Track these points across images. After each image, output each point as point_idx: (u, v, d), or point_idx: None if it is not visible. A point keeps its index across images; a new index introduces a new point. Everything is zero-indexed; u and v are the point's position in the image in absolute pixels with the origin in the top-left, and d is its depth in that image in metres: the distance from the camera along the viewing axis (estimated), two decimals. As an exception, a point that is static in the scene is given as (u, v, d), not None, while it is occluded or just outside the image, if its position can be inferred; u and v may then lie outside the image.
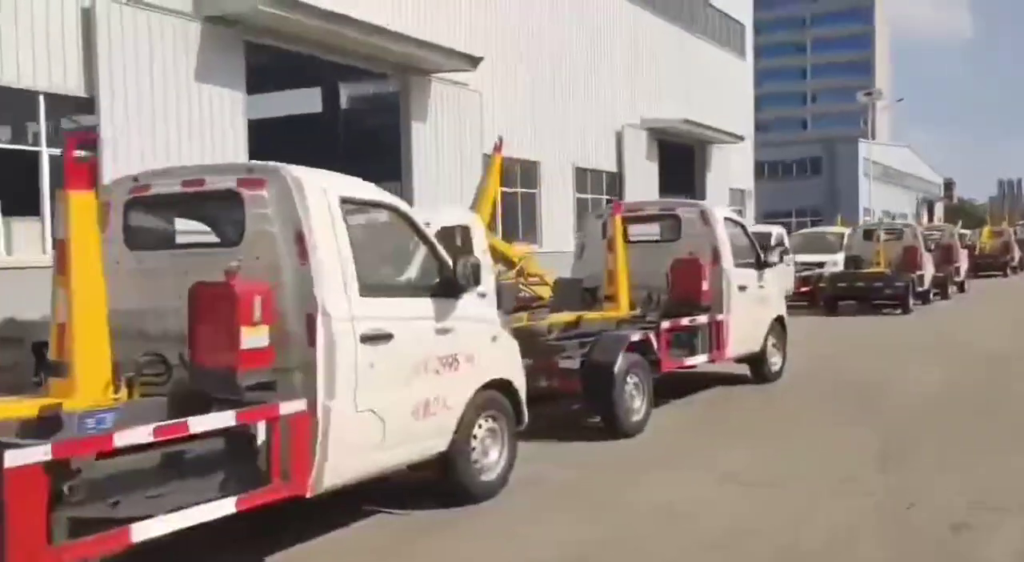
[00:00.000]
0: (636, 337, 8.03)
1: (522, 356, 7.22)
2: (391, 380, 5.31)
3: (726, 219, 10.42)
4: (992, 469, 6.79)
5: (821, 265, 23.31)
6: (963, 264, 26.82)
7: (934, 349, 13.59)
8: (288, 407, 4.71)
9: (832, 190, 60.48)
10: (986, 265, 35.86)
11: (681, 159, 36.44)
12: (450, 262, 5.89)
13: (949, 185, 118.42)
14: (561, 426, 8.34)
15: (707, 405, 9.81)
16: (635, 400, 7.99)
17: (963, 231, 45.61)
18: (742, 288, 10.04)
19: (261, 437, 4.77)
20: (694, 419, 9.16)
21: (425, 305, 5.73)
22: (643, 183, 31.51)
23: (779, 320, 11.02)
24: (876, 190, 64.32)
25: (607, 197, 30.01)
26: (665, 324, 8.66)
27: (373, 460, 5.32)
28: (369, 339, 5.12)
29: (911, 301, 20.13)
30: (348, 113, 29.60)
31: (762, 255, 10.79)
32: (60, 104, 14.23)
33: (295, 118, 31.21)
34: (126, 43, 14.74)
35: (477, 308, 6.14)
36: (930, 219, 77.95)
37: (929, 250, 23.11)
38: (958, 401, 9.55)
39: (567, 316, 8.44)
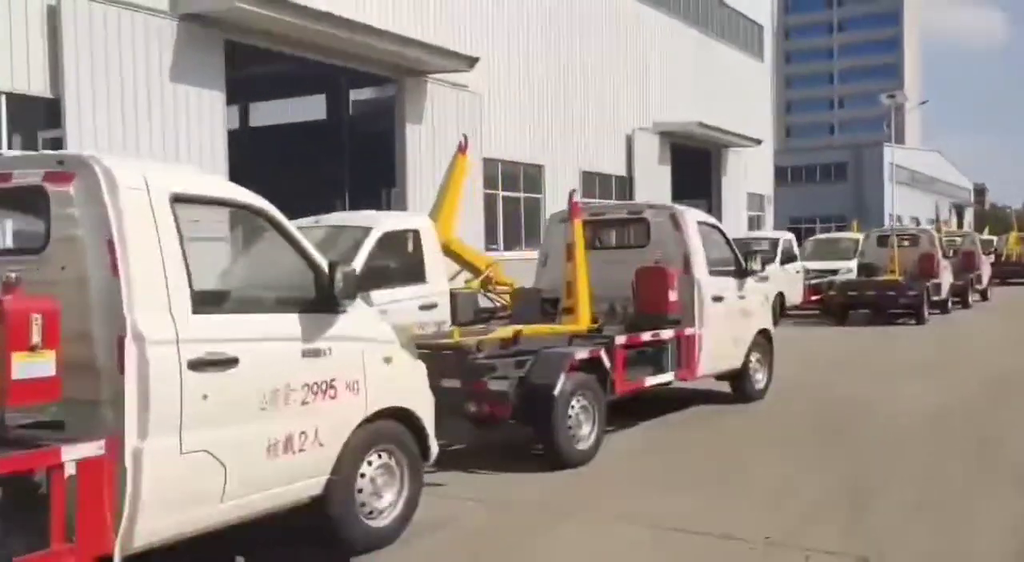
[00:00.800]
0: (582, 355, 7.09)
1: (448, 377, 6.35)
2: (234, 414, 4.41)
3: (700, 223, 9.44)
4: (962, 525, 5.70)
5: (835, 272, 22.15)
6: (985, 271, 25.44)
7: (938, 367, 12.43)
8: (76, 451, 3.80)
9: (858, 195, 58.95)
10: (1012, 273, 34.31)
11: (696, 163, 35.33)
12: (325, 271, 4.91)
13: (981, 191, 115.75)
14: (511, 451, 7.45)
15: (674, 429, 8.80)
16: (581, 426, 7.04)
17: (989, 237, 44.08)
18: (718, 299, 9.06)
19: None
20: (654, 446, 8.16)
21: (288, 322, 4.81)
22: (655, 187, 30.46)
23: (764, 334, 10.01)
24: (903, 195, 62.62)
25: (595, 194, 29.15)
26: (620, 340, 7.70)
27: (208, 512, 4.37)
28: (202, 365, 4.26)
29: (926, 311, 18.91)
30: (353, 119, 28.92)
31: (744, 263, 9.80)
32: (24, 105, 13.63)
33: (300, 125, 30.67)
34: (95, 42, 14.07)
35: (362, 325, 5.16)
36: (960, 225, 75.94)
37: (948, 257, 21.84)
38: (945, 436, 8.38)
39: (503, 332, 7.50)
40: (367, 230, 8.50)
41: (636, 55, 30.06)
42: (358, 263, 8.25)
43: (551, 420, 6.74)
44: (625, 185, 29.33)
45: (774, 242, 20.12)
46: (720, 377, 9.79)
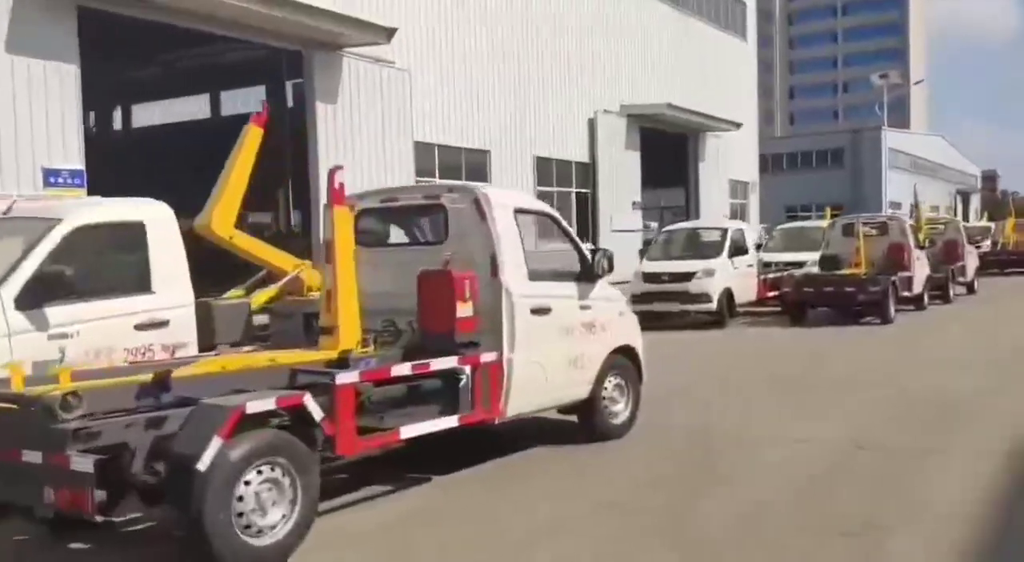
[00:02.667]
0: (261, 406, 4.77)
1: (30, 446, 4.08)
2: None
3: (520, 211, 7.04)
4: None
5: (801, 265, 19.61)
6: (970, 262, 22.71)
7: (868, 387, 9.73)
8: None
9: (856, 182, 55.98)
10: (1009, 261, 31.50)
11: (673, 148, 32.84)
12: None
13: (992, 177, 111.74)
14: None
15: (466, 488, 6.30)
16: (265, 512, 4.66)
17: (987, 224, 41.14)
18: (541, 311, 6.66)
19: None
20: (418, 518, 5.76)
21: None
22: (621, 174, 28.03)
23: (625, 352, 7.62)
24: (904, 181, 59.55)
25: (579, 191, 26.71)
26: (347, 377, 5.30)
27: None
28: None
29: (892, 308, 16.35)
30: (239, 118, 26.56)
31: (592, 263, 7.42)
32: None
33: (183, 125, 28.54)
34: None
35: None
36: (965, 213, 72.72)
37: (924, 247, 19.21)
38: (814, 515, 5.88)
39: (136, 375, 5.09)
40: (51, 223, 6.17)
41: (602, 31, 27.53)
42: (26, 269, 5.95)
43: (198, 508, 4.42)
44: (587, 172, 26.89)
45: (723, 232, 17.57)
46: (563, 410, 7.44)
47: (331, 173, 6.08)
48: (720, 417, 8.47)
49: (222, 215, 7.86)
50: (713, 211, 33.38)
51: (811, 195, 53.66)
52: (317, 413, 5.03)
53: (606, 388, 7.54)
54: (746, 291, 17.56)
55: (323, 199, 15.16)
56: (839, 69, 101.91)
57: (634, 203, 28.89)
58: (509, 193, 7.57)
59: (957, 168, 75.28)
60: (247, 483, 4.68)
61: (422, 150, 20.75)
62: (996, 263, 31.93)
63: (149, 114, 31.18)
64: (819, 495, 6.02)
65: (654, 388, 8.97)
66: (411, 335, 6.46)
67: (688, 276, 16.53)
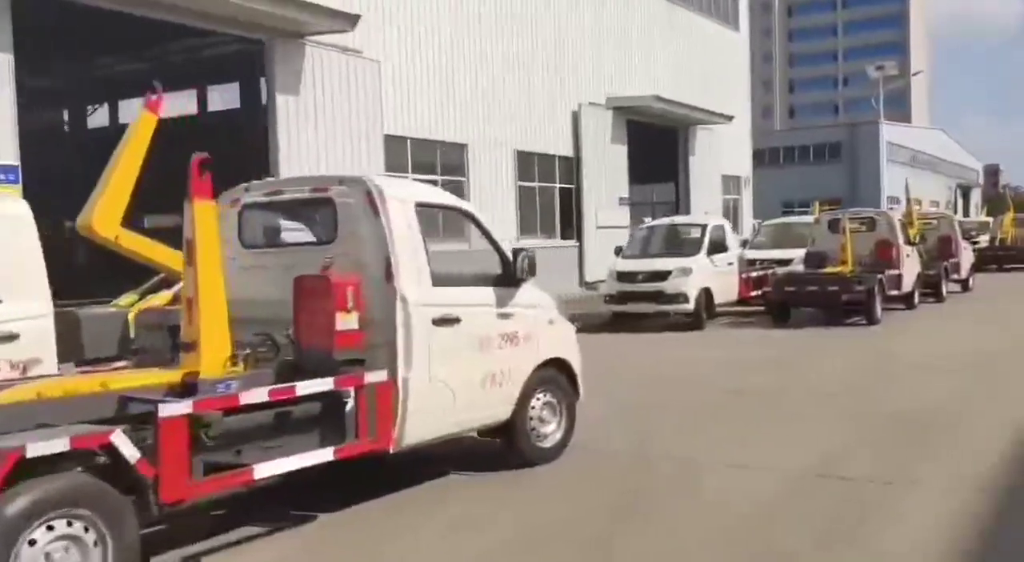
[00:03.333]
0: (48, 448, 3.69)
1: None
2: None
3: (422, 205, 6.11)
4: None
5: (787, 263, 18.64)
6: (965, 258, 21.69)
7: (842, 399, 8.65)
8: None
9: (853, 176, 54.84)
10: (1008, 258, 30.45)
11: (664, 143, 31.87)
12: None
13: (995, 171, 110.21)
14: None
15: (357, 529, 5.36)
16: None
17: (985, 219, 40.10)
18: (446, 321, 5.71)
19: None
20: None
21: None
22: (607, 169, 27.05)
23: (558, 366, 6.70)
24: (903, 175, 58.43)
25: (563, 186, 25.75)
26: (173, 408, 4.34)
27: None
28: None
29: (878, 308, 15.37)
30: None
31: (513, 266, 6.49)
32: None
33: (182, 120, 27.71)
34: None
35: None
36: (965, 208, 71.67)
37: (914, 243, 18.22)
38: (752, 553, 4.95)
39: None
40: None
41: (586, 21, 26.56)
42: None
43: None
44: (571, 167, 25.91)
45: (702, 229, 16.59)
46: (485, 433, 6.52)
47: (195, 162, 5.13)
48: (669, 438, 7.53)
49: (105, 213, 6.93)
50: (704, 206, 32.42)
51: (809, 190, 52.50)
52: (131, 453, 4.10)
53: (533, 407, 6.60)
54: (727, 290, 16.61)
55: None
56: (839, 62, 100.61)
57: (621, 199, 27.92)
58: (410, 185, 6.61)
59: (957, 162, 74.03)
60: (32, 542, 3.76)
61: (393, 144, 19.82)
62: (995, 259, 30.90)
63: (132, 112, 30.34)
64: (755, 539, 5.07)
65: (602, 403, 8.07)
66: (292, 350, 5.52)
67: (663, 275, 15.59)
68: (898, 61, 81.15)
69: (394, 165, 19.89)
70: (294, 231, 6.30)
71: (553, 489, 6.23)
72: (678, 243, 16.70)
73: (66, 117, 30.08)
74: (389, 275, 5.54)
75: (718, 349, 13.16)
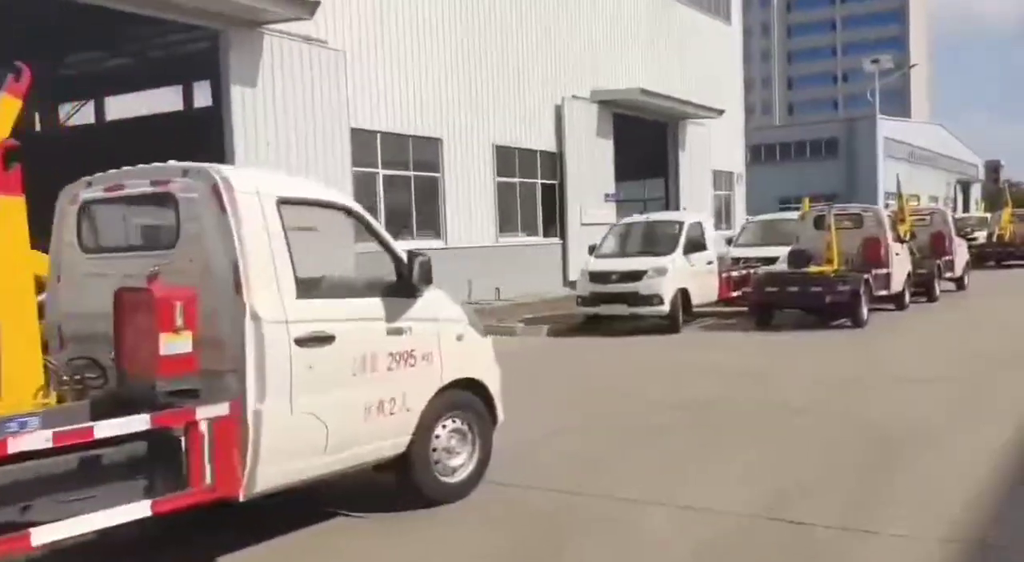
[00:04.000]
0: None
1: None
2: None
3: (288, 201, 5.10)
4: None
5: (773, 261, 17.61)
6: (960, 256, 20.63)
7: (811, 417, 7.55)
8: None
9: (851, 172, 53.71)
10: (1007, 254, 29.38)
11: (654, 138, 30.85)
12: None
13: (996, 167, 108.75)
14: None
15: None
16: None
17: (983, 214, 39.00)
18: (316, 340, 4.71)
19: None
20: None
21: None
22: (592, 164, 26.04)
23: (470, 387, 5.70)
24: (901, 171, 57.29)
25: (546, 182, 24.76)
26: None
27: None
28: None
29: (865, 310, 14.35)
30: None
31: (410, 272, 5.50)
32: None
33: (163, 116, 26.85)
34: None
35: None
36: (965, 203, 70.48)
37: (904, 240, 17.17)
38: None
39: None
40: None
41: (571, 11, 25.52)
42: None
43: None
44: (555, 162, 24.90)
45: (679, 226, 15.56)
46: (378, 468, 5.53)
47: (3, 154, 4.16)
48: (604, 469, 6.52)
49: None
50: (695, 203, 31.41)
51: (806, 186, 51.44)
52: None
53: (438, 436, 5.62)
54: (706, 291, 15.60)
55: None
56: (838, 58, 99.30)
57: (607, 195, 26.90)
58: (272, 177, 5.57)
59: (957, 157, 72.84)
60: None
61: (362, 138, 18.85)
62: (993, 256, 29.86)
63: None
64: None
65: (534, 425, 7.11)
66: (121, 382, 4.53)
67: (637, 275, 14.58)
68: (898, 56, 79.90)
69: (362, 161, 18.94)
70: (143, 231, 5.32)
71: (458, 533, 5.25)
72: (654, 242, 15.68)
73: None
74: (237, 285, 4.54)
75: (689, 355, 12.16)
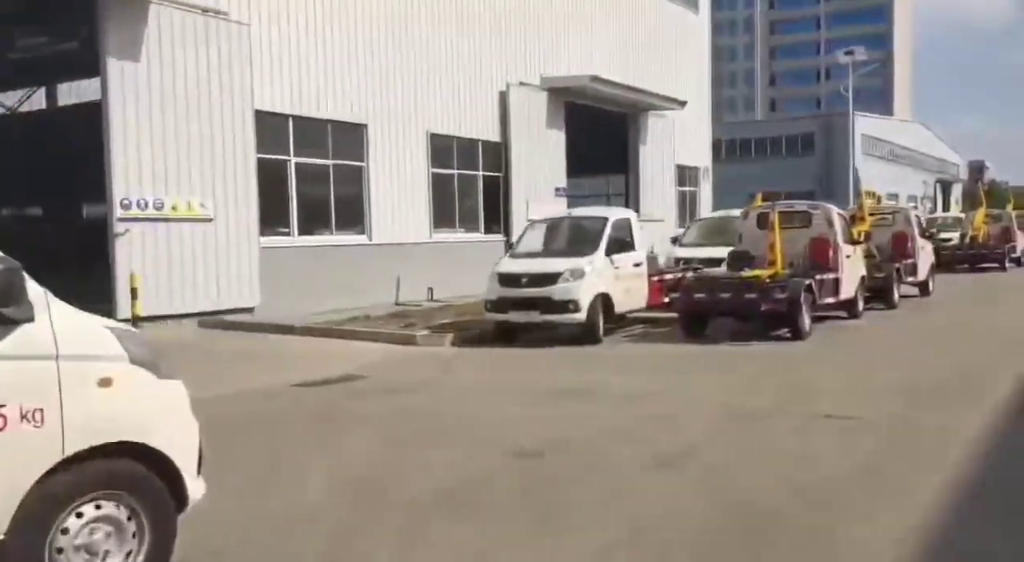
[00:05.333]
0: None
1: None
2: None
3: None
4: None
5: (719, 263, 15.76)
6: (923, 259, 18.82)
7: (657, 482, 5.61)
8: None
9: (828, 169, 51.96)
10: (980, 256, 27.61)
11: (615, 131, 28.96)
12: None
13: (979, 168, 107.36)
14: None
15: None
16: None
17: (959, 214, 37.32)
18: None
19: None
20: None
21: None
22: (541, 156, 24.13)
23: (136, 455, 3.83)
24: (880, 169, 55.61)
25: (488, 174, 22.86)
26: None
27: None
28: None
29: (806, 320, 12.53)
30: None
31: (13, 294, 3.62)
32: None
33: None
34: None
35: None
36: (945, 203, 68.92)
37: (858, 241, 15.35)
38: None
39: None
40: None
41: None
42: None
43: None
44: (499, 153, 22.99)
45: (602, 222, 13.67)
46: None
47: None
48: None
49: None
50: (657, 199, 29.62)
51: (780, 183, 49.78)
52: None
53: (66, 531, 3.72)
54: (633, 296, 13.74)
55: (116, 186, 11.67)
56: (821, 55, 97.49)
57: (558, 189, 25.01)
58: None
59: (938, 157, 71.19)
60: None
61: (270, 122, 16.93)
62: (966, 258, 28.07)
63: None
64: None
65: (273, 498, 5.18)
66: None
67: (551, 278, 12.70)
68: (882, 54, 78.22)
69: (271, 147, 17.01)
70: None
71: None
72: (575, 241, 13.82)
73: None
74: None
75: (588, 373, 10.29)
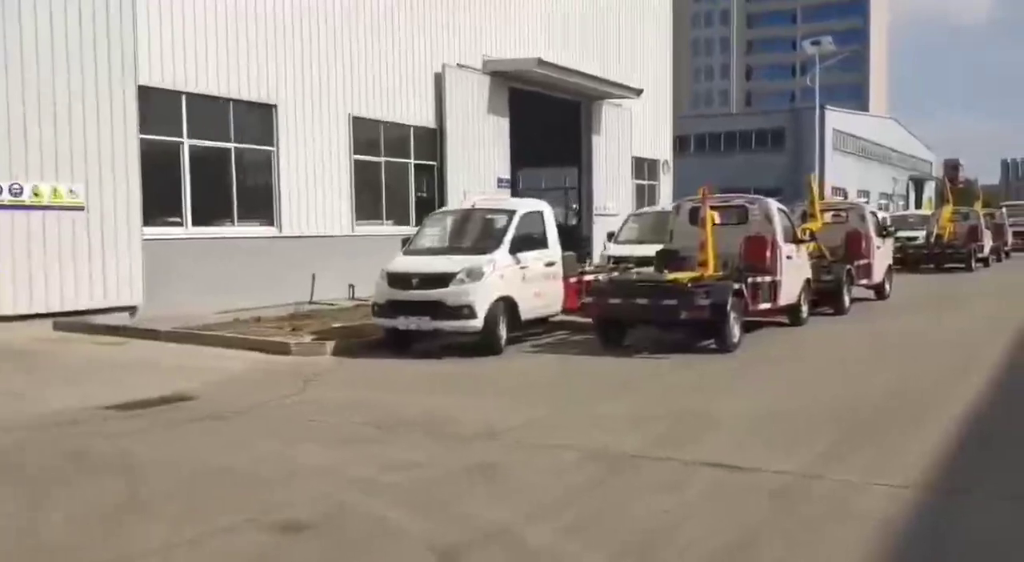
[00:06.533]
0: None
1: None
2: None
3: None
4: None
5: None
6: (879, 260, 17.21)
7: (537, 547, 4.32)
8: None
9: (798, 164, 50.45)
10: (945, 257, 26.16)
11: (570, 120, 27.26)
12: None
13: (955, 166, 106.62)
14: None
15: None
16: None
17: (926, 212, 35.94)
18: None
19: None
20: None
21: None
22: (482, 145, 22.39)
23: None
24: (850, 166, 54.26)
25: (422, 162, 21.10)
26: None
27: None
28: None
29: (734, 330, 10.89)
30: None
31: None
32: None
33: None
34: None
35: None
36: (918, 201, 67.76)
37: (802, 240, 13.74)
38: None
39: None
40: None
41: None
42: None
43: None
44: (434, 140, 21.21)
45: (508, 215, 11.94)
46: None
47: None
48: None
49: None
50: (613, 192, 27.99)
51: (749, 178, 48.33)
52: None
53: None
54: (544, 300, 12.05)
55: None
56: (797, 50, 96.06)
57: (500, 180, 23.28)
58: None
59: (911, 153, 69.95)
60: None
61: (159, 100, 15.09)
62: (931, 258, 26.63)
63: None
64: None
65: None
66: None
67: (443, 279, 10.98)
68: (859, 50, 76.83)
69: (159, 127, 15.18)
70: None
71: None
72: (477, 235, 12.10)
73: None
74: None
75: (460, 395, 8.58)
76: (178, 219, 15.84)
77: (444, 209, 13.80)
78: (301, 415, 7.78)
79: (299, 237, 17.82)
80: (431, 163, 21.35)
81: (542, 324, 12.95)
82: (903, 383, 9.02)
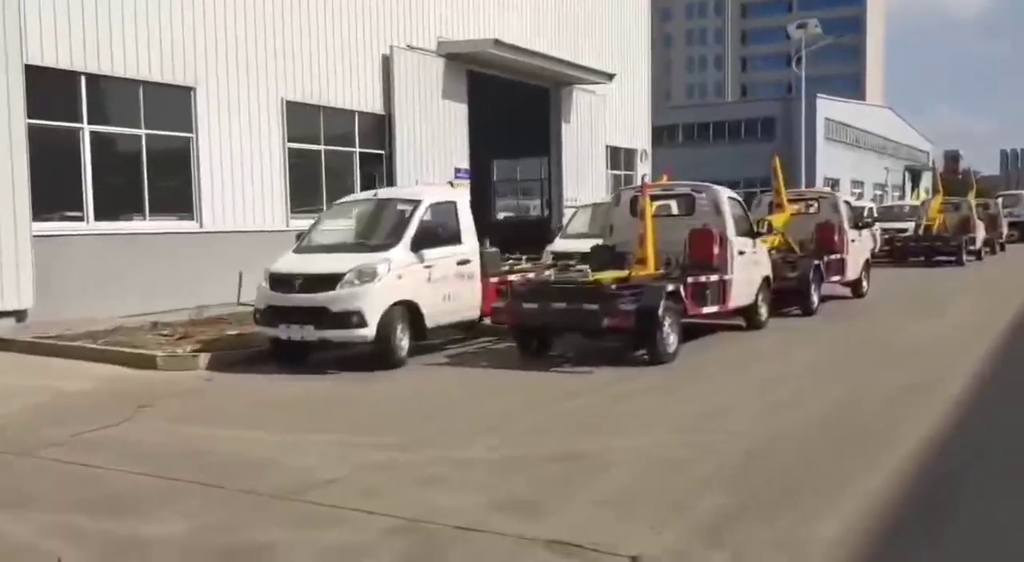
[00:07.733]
0: None
1: None
2: None
3: None
4: None
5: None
6: (854, 254, 15.50)
7: None
8: None
9: (789, 154, 48.64)
10: (934, 249, 24.44)
11: (543, 107, 25.60)
12: None
13: (955, 157, 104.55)
14: None
15: None
16: None
17: (914, 203, 34.18)
18: None
19: None
20: None
21: None
22: (437, 133, 20.74)
23: None
24: (843, 155, 52.45)
25: (368, 151, 19.44)
26: None
27: None
28: None
29: (669, 339, 9.21)
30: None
31: None
32: None
33: None
34: None
35: None
36: (914, 191, 65.82)
37: (758, 234, 12.05)
38: None
39: None
40: None
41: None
42: None
43: None
44: (382, 127, 19.56)
45: (413, 206, 10.28)
46: None
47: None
48: None
49: None
50: (585, 183, 26.31)
51: (740, 168, 46.63)
52: None
53: None
54: (456, 304, 10.39)
55: None
56: (793, 40, 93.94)
57: (458, 171, 21.61)
58: None
59: (907, 144, 67.97)
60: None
61: (51, 80, 13.45)
62: (919, 250, 24.93)
63: None
64: None
65: None
66: None
67: (330, 281, 9.34)
68: (854, 39, 74.81)
69: (52, 111, 13.55)
70: None
71: None
72: (378, 230, 10.44)
73: None
74: None
75: (303, 431, 6.94)
76: (78, 213, 14.21)
77: (346, 199, 12.11)
78: (77, 459, 6.13)
79: (224, 232, 16.19)
80: (379, 152, 19.71)
81: (469, 329, 11.33)
82: (850, 406, 7.36)
